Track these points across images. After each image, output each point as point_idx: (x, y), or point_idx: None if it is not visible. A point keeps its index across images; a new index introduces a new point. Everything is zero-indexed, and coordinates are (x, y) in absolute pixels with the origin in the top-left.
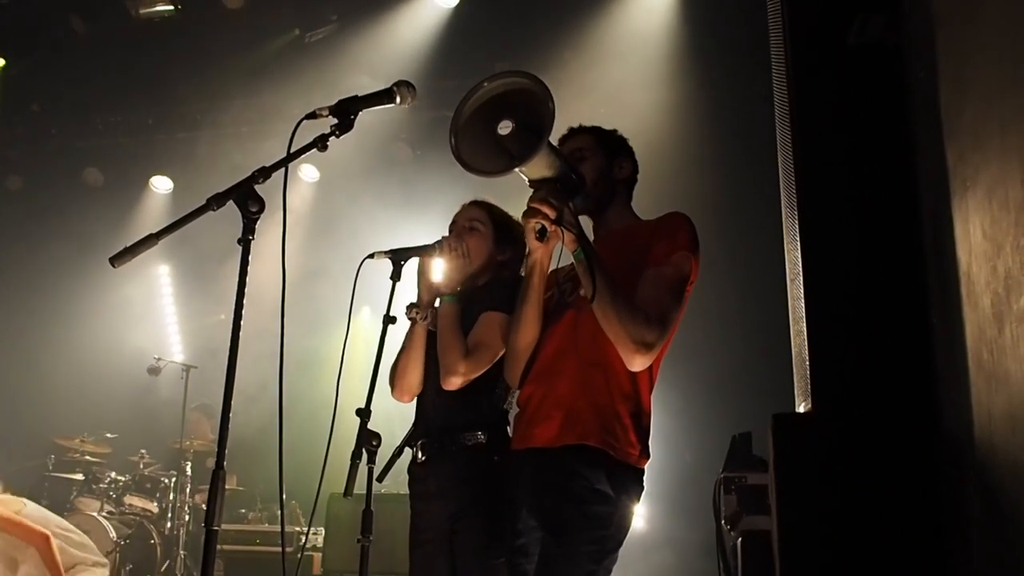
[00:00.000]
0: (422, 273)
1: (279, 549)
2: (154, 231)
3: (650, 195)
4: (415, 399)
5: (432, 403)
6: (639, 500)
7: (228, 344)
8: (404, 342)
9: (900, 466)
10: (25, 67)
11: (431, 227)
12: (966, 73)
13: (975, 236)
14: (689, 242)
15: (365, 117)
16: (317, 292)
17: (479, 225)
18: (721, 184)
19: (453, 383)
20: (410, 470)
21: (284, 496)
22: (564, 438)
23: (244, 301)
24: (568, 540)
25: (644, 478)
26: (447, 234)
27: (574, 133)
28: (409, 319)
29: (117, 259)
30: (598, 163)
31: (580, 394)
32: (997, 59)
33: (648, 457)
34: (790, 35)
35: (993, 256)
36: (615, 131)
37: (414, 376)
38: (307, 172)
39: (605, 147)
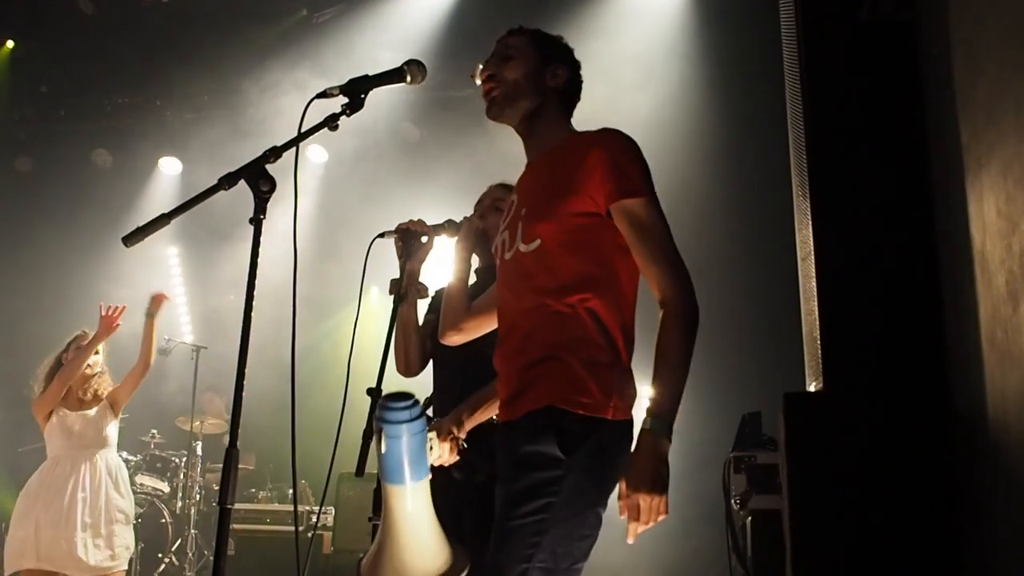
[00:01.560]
0: (428, 249)
1: (289, 528)
2: (165, 211)
3: (660, 175)
4: (434, 376)
5: (448, 383)
6: (612, 460)
7: (237, 324)
8: (393, 318)
9: (912, 445)
10: (34, 48)
11: (439, 207)
12: (980, 49)
13: (989, 214)
14: (646, 183)
15: (372, 97)
16: (326, 272)
17: (503, 205)
18: (732, 163)
19: (450, 339)
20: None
21: (292, 475)
22: (519, 406)
23: (256, 281)
24: (507, 514)
25: (626, 430)
26: (466, 216)
27: (510, 33)
28: (394, 295)
29: (130, 239)
30: (528, 65)
31: (525, 354)
32: (1012, 35)
33: (624, 407)
34: (802, 11)
35: (1008, 234)
36: (560, 37)
37: (411, 352)
38: (315, 153)
39: (540, 50)
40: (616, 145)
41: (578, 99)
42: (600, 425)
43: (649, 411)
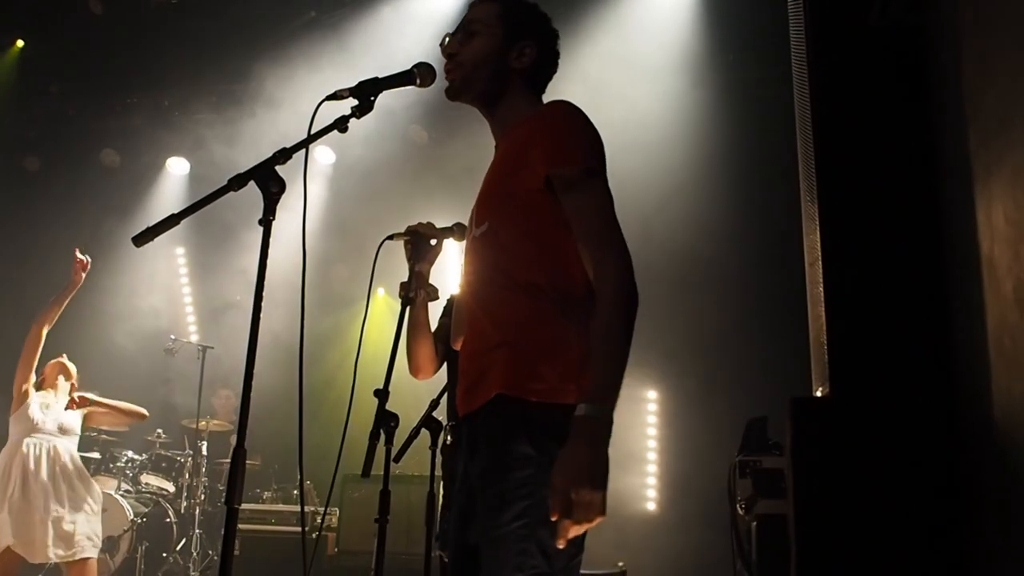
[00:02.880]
0: (437, 252)
1: (294, 529)
2: (175, 211)
3: (667, 179)
4: (448, 380)
5: None
6: None
7: (243, 324)
8: (406, 321)
9: (918, 451)
10: (43, 48)
11: (448, 209)
12: (990, 55)
13: (997, 221)
14: (586, 154)
15: (379, 99)
16: (333, 273)
17: None
18: (739, 167)
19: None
20: (441, 452)
21: (299, 476)
22: (475, 398)
23: (264, 281)
24: (490, 523)
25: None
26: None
27: (482, 1)
28: (404, 298)
29: (140, 239)
30: (491, 44)
31: (479, 340)
32: (1023, 41)
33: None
34: (810, 15)
35: (1016, 241)
36: (535, 7)
37: (421, 354)
38: (323, 154)
39: (507, 26)
40: (558, 115)
41: (551, 73)
42: (565, 411)
43: (582, 397)
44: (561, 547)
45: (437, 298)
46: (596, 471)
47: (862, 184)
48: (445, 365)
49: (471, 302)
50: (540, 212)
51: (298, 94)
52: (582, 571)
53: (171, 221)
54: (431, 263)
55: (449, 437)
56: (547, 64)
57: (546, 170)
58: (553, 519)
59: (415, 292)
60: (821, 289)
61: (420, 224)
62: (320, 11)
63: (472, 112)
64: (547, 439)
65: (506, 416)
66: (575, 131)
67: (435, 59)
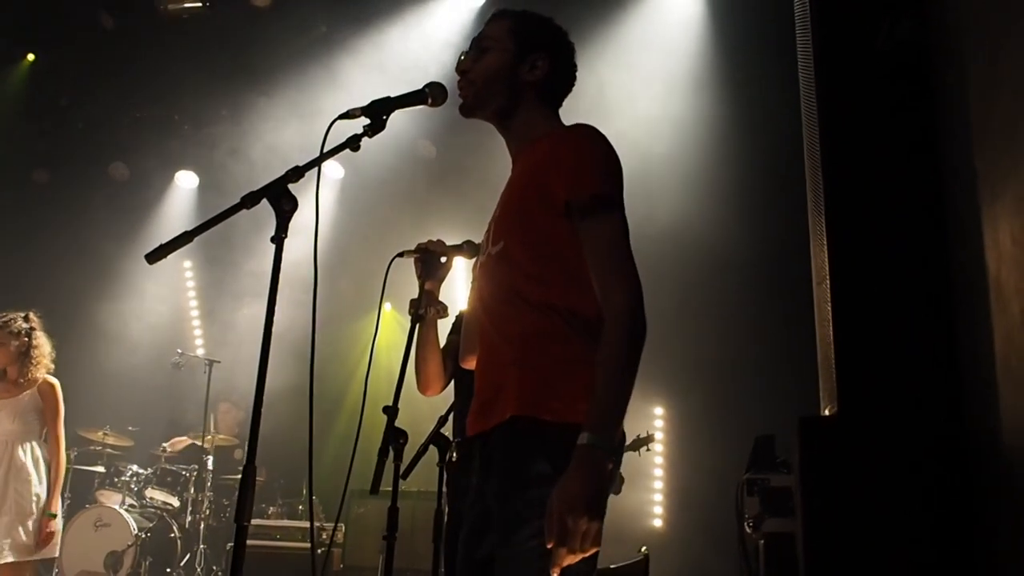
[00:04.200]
0: (447, 269)
1: (299, 545)
2: (188, 228)
3: (674, 195)
4: (455, 396)
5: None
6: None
7: (250, 338)
8: (415, 339)
9: (926, 470)
10: (53, 61)
11: (458, 227)
12: (996, 76)
13: (1004, 242)
14: (605, 183)
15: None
16: (340, 289)
17: None
18: (746, 185)
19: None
20: (447, 468)
21: (308, 492)
22: (490, 418)
23: (276, 297)
24: (506, 540)
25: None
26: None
27: (494, 18)
28: (414, 315)
29: (153, 256)
30: (501, 59)
31: (493, 357)
32: None
33: None
34: (818, 36)
35: (1023, 263)
36: (548, 21)
37: (430, 371)
38: (331, 170)
39: (518, 41)
40: (581, 140)
41: (568, 86)
42: (581, 430)
43: (585, 425)
44: (555, 575)
45: (447, 315)
46: (594, 501)
47: (870, 204)
48: (452, 382)
49: (484, 321)
50: (557, 235)
51: (309, 109)
52: (609, 566)
53: (184, 238)
54: (441, 280)
55: (454, 454)
56: (562, 77)
57: (566, 196)
58: (548, 546)
59: (425, 309)
60: (829, 308)
61: (430, 242)
62: (331, 27)
63: (481, 127)
64: (563, 458)
65: (522, 436)
66: (596, 158)
67: (446, 76)
